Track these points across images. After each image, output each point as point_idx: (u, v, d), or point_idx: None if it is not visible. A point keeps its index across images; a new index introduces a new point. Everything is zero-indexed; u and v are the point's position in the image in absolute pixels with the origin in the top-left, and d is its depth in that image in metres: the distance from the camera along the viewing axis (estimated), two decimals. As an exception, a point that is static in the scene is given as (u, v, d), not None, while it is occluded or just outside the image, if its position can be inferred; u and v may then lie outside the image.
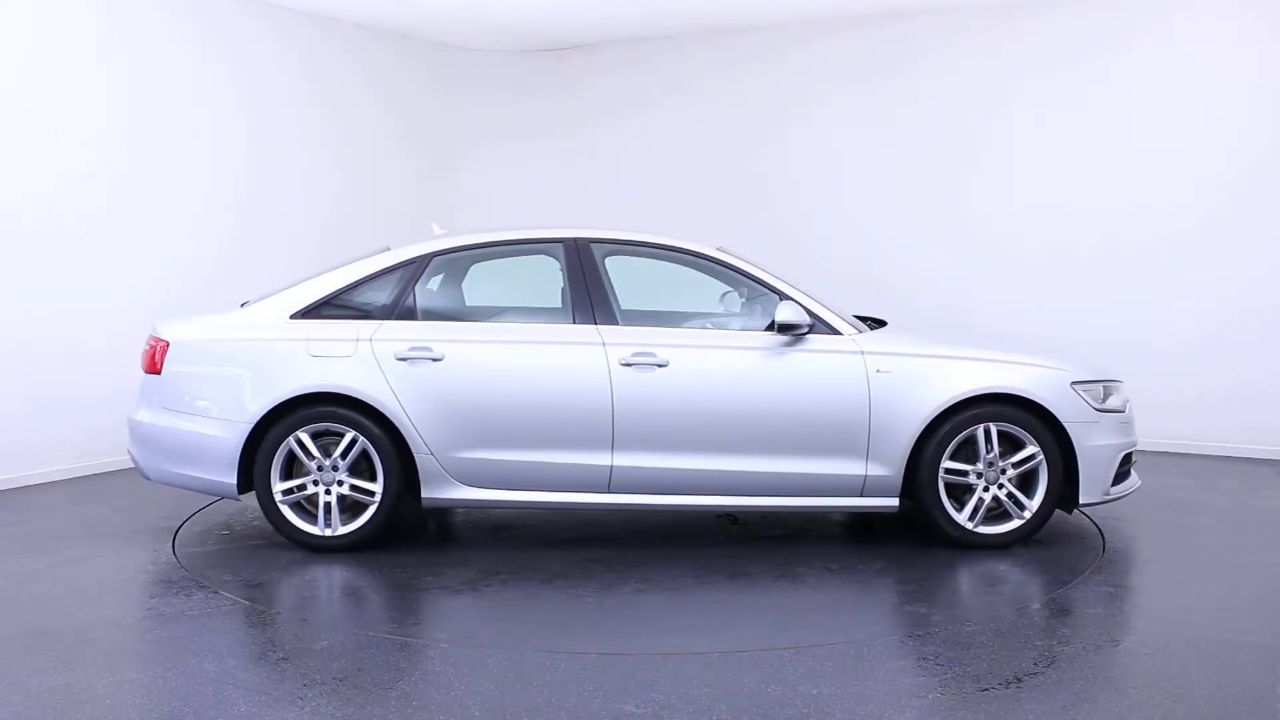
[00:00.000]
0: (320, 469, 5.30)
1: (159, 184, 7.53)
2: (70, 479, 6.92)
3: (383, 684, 3.73)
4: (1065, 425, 5.20)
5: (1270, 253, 7.36)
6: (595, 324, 5.33)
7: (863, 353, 5.26)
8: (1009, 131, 8.13)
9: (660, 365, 5.23)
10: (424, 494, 5.31)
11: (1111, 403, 5.37)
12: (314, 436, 5.30)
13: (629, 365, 5.22)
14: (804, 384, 5.26)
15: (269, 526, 5.67)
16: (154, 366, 5.44)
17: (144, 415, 5.48)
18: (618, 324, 5.38)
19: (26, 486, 6.71)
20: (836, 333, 5.33)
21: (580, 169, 9.80)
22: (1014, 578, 4.87)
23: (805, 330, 5.27)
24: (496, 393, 5.26)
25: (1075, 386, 5.28)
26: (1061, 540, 5.46)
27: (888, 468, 5.22)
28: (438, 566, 5.15)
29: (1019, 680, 3.72)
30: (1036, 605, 4.50)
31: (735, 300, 5.74)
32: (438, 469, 5.28)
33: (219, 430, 5.30)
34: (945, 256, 8.34)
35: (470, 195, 9.83)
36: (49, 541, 5.54)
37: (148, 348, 5.51)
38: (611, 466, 5.24)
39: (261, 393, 5.27)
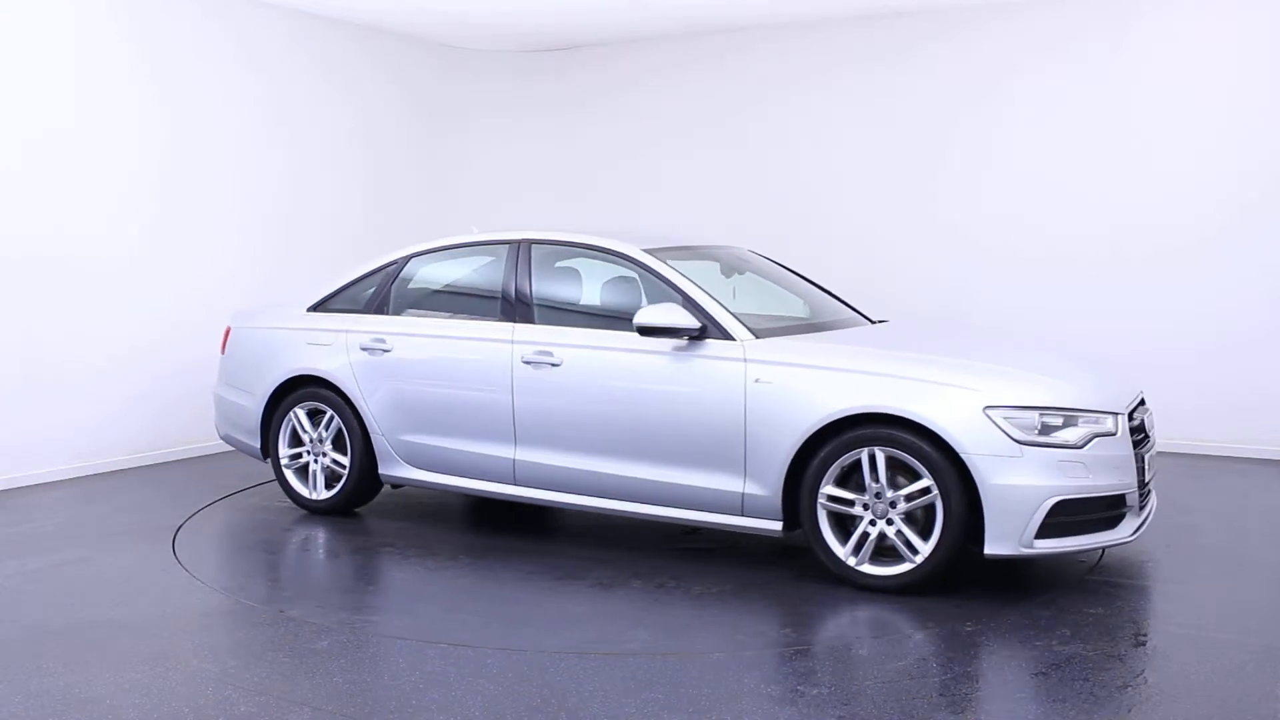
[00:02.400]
0: (310, 441, 6.05)
1: (181, 195, 7.63)
2: (70, 479, 6.92)
3: (383, 684, 3.73)
4: (964, 457, 4.42)
5: (1273, 255, 7.36)
6: (514, 322, 5.51)
7: (745, 360, 4.86)
8: (1009, 134, 8.12)
9: (555, 365, 5.30)
10: (380, 470, 5.90)
11: (1062, 436, 4.46)
12: (309, 414, 6.06)
13: (529, 363, 5.37)
14: (684, 390, 4.98)
15: (267, 526, 5.84)
16: (223, 347, 6.52)
17: (216, 387, 6.56)
18: (534, 322, 5.47)
19: (27, 486, 6.71)
20: (730, 337, 4.96)
21: (584, 167, 9.80)
22: (1012, 578, 4.86)
23: (694, 333, 4.95)
24: (426, 383, 5.72)
25: (990, 411, 4.45)
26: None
27: (765, 488, 4.80)
28: (446, 559, 5.17)
29: (1019, 680, 3.72)
30: (1036, 605, 4.50)
31: (802, 305, 5.80)
32: (388, 449, 5.83)
33: (249, 402, 6.25)
34: (946, 260, 8.33)
35: (488, 194, 9.88)
36: (49, 541, 5.54)
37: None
38: (514, 460, 5.45)
39: (272, 373, 6.15)
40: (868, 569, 4.64)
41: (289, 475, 6.13)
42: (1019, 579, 4.84)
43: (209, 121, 7.80)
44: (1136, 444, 4.69)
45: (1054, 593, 4.65)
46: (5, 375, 6.66)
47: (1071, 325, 7.86)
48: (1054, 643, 4.07)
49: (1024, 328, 7.89)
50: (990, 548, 4.44)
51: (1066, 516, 4.45)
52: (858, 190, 8.64)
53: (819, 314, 5.75)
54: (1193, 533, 5.63)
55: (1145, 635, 4.18)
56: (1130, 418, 4.71)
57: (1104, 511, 4.57)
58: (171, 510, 6.14)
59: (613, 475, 5.17)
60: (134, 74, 7.32)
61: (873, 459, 4.58)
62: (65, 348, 6.95)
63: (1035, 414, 4.48)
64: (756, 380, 4.81)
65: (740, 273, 5.98)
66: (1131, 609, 4.49)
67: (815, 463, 4.68)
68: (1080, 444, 4.47)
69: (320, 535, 5.77)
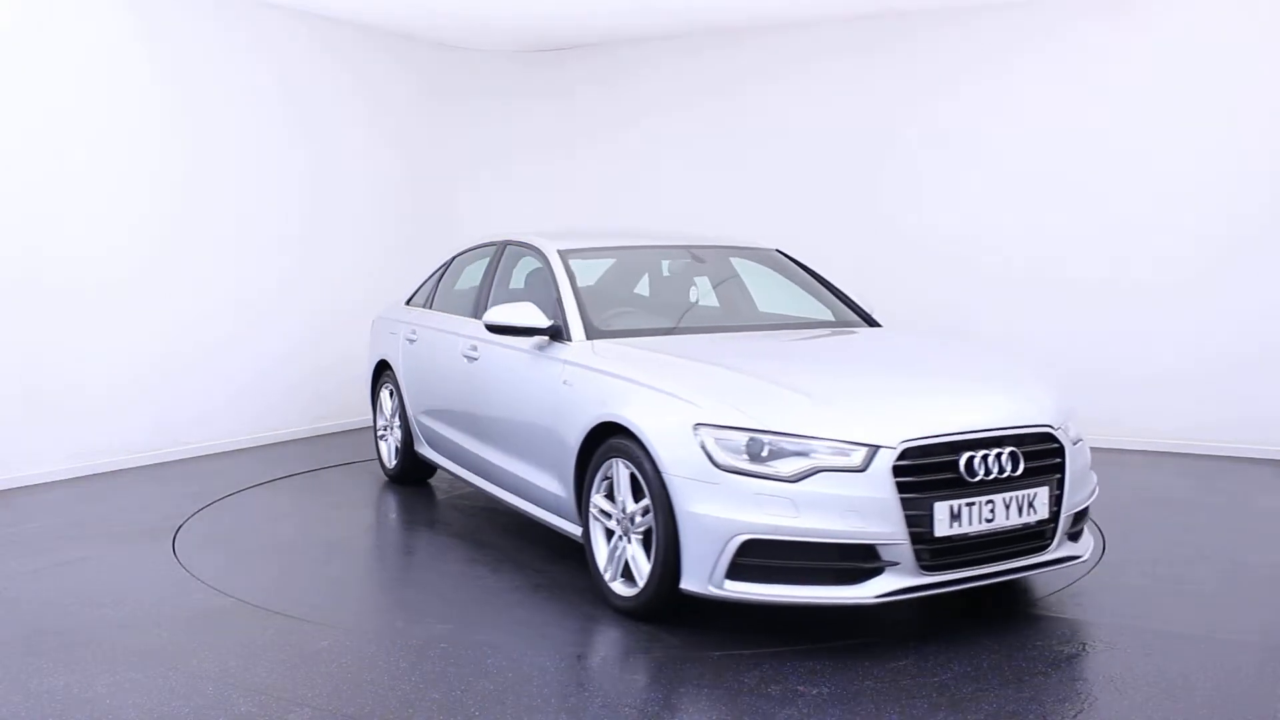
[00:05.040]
0: (387, 418, 6.84)
1: (200, 200, 7.69)
2: (70, 479, 6.92)
3: (383, 684, 3.73)
4: (664, 477, 4.02)
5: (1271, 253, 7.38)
6: (477, 317, 5.72)
7: (564, 362, 4.78)
8: (1011, 139, 8.13)
9: (475, 359, 5.59)
10: (414, 447, 6.49)
11: (775, 466, 3.85)
12: (390, 394, 6.77)
13: (465, 356, 5.69)
14: (529, 388, 5.03)
15: (267, 526, 5.89)
16: None
17: None
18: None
19: (26, 486, 6.71)
20: (570, 338, 4.91)
21: (591, 167, 9.82)
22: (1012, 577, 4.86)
23: (547, 332, 4.94)
24: (427, 371, 6.23)
25: (700, 429, 3.97)
26: (1061, 540, 5.45)
27: (565, 492, 4.70)
28: (451, 558, 5.16)
29: (1019, 681, 3.72)
30: (1036, 606, 4.50)
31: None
32: (415, 428, 6.43)
33: (369, 380, 7.15)
34: (935, 268, 8.35)
35: (503, 192, 9.95)
36: (49, 541, 5.54)
37: None
38: (462, 446, 5.82)
39: (371, 358, 7.13)
40: (615, 586, 4.35)
41: (380, 445, 6.96)
42: (1016, 578, 4.84)
43: (227, 124, 7.85)
44: (935, 485, 3.87)
45: (1053, 593, 4.65)
46: (6, 377, 6.67)
47: (1071, 326, 7.88)
48: (1054, 643, 4.07)
49: (1034, 338, 7.91)
50: (685, 582, 4.00)
51: (769, 559, 3.85)
52: (858, 190, 8.64)
53: (783, 316, 5.71)
54: (1193, 533, 5.63)
55: (1145, 635, 4.18)
56: (952, 453, 3.91)
57: (836, 560, 3.83)
58: (172, 510, 6.14)
59: (502, 468, 5.35)
60: (151, 77, 7.36)
61: (618, 471, 4.29)
62: (69, 349, 6.95)
63: (744, 436, 3.91)
64: (565, 382, 4.74)
65: (700, 275, 5.90)
66: (1131, 609, 4.48)
67: (589, 471, 4.48)
68: (793, 477, 3.83)
69: (321, 534, 5.77)
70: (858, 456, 3.84)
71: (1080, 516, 4.40)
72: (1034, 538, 4.12)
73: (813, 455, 3.85)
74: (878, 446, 3.84)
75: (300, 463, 7.45)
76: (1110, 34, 7.75)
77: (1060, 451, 4.18)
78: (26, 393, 6.76)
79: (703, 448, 3.94)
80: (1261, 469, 7.13)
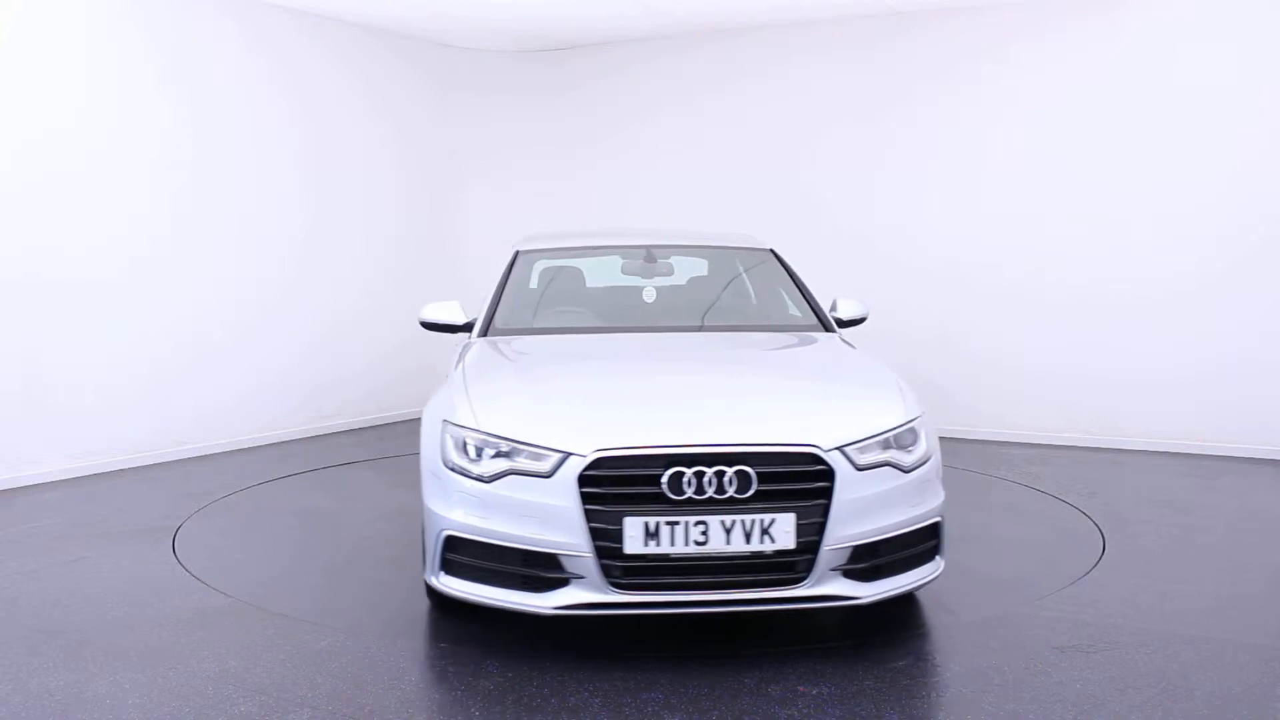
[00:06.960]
0: None
1: (201, 199, 7.69)
2: (70, 479, 6.93)
3: (383, 684, 3.73)
4: (421, 470, 4.19)
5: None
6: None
7: (457, 358, 4.89)
8: (1012, 139, 8.13)
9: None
10: None
11: (480, 465, 3.85)
12: None
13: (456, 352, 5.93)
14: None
15: (267, 526, 5.85)
16: None
17: None
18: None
19: (26, 486, 6.71)
20: (473, 336, 5.11)
21: (591, 168, 9.82)
22: (1013, 577, 4.86)
23: (462, 329, 5.22)
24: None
25: (446, 426, 4.03)
26: (1061, 540, 5.45)
27: None
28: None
29: (1019, 681, 3.72)
30: (1035, 606, 4.50)
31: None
32: None
33: None
34: (934, 270, 8.35)
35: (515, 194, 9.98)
36: (49, 541, 5.54)
37: None
38: None
39: None
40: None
41: None
42: (1017, 578, 4.84)
43: (227, 122, 7.87)
44: (633, 499, 3.66)
45: (1053, 593, 4.65)
46: (6, 376, 6.67)
47: (1067, 322, 7.89)
48: (1054, 643, 4.07)
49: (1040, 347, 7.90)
50: (424, 572, 4.10)
51: (470, 558, 3.86)
52: (856, 189, 8.65)
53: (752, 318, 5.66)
54: (1193, 533, 5.63)
55: (1144, 635, 4.18)
56: (655, 466, 3.66)
57: (519, 566, 3.77)
58: (172, 510, 6.14)
59: None
60: (152, 75, 7.37)
61: None
62: (69, 349, 6.95)
63: (463, 434, 3.93)
64: (447, 378, 4.74)
65: (663, 271, 5.87)
66: (1131, 609, 4.49)
67: None
68: (488, 478, 3.81)
69: (322, 534, 5.77)
70: (548, 462, 3.74)
71: (874, 551, 3.85)
72: (777, 569, 3.72)
73: (513, 458, 3.81)
74: (568, 454, 3.70)
75: (301, 462, 7.46)
76: (1109, 34, 7.75)
77: (827, 476, 3.74)
78: (26, 392, 6.76)
79: (441, 444, 4.03)
80: (1262, 469, 7.13)
